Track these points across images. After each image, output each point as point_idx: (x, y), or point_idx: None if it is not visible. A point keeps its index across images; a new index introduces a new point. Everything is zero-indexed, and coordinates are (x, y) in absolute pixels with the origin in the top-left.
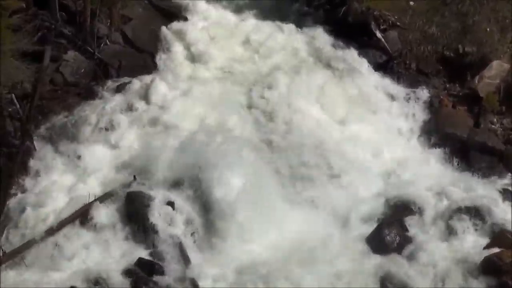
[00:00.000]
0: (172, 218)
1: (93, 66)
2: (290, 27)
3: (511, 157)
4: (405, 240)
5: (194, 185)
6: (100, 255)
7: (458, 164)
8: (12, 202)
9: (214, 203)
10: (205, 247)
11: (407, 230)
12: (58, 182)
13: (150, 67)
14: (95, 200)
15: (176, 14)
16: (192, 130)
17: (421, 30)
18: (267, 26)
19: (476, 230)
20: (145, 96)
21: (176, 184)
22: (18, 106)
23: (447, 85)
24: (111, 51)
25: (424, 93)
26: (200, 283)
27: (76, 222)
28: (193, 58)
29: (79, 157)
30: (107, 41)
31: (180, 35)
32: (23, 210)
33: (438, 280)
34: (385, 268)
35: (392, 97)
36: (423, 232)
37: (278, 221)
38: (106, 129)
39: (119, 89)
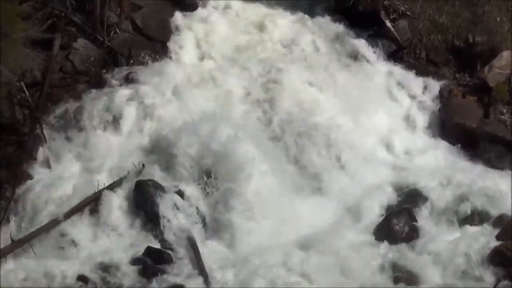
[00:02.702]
0: (181, 207)
1: (103, 54)
2: (299, 15)
3: None
4: (414, 230)
5: (203, 174)
6: (109, 244)
7: (467, 154)
8: (21, 190)
9: (223, 192)
10: (214, 236)
11: (415, 220)
12: (67, 170)
13: (159, 55)
14: (103, 188)
15: (185, 2)
16: (200, 119)
17: (431, 20)
18: (277, 15)
19: (485, 220)
20: (154, 85)
21: (185, 173)
22: (27, 94)
23: (457, 75)
24: (121, 39)
25: (433, 83)
26: (209, 272)
27: (85, 210)
28: (202, 46)
29: (88, 145)
30: (117, 29)
31: (190, 24)
32: (32, 198)
33: (446, 269)
34: (393, 257)
35: (402, 87)
36: (432, 222)
37: (287, 210)
38: (116, 117)
39: (128, 77)
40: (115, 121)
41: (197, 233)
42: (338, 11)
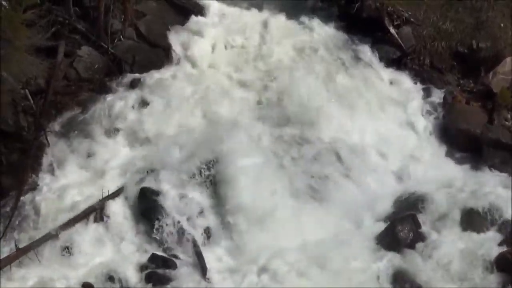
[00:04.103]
0: (185, 213)
1: (107, 62)
2: (304, 22)
3: None
4: (418, 236)
5: (207, 180)
6: (113, 251)
7: (471, 160)
8: (25, 198)
9: (227, 198)
10: (218, 242)
11: (420, 226)
12: (71, 178)
13: (163, 62)
14: (108, 196)
15: (190, 10)
16: (205, 124)
17: (435, 26)
18: (281, 22)
19: (489, 226)
20: (159, 92)
21: (189, 179)
22: (31, 101)
23: (461, 81)
24: (125, 47)
25: (437, 89)
26: (213, 278)
27: (89, 218)
28: (205, 53)
29: (92, 153)
30: (121, 36)
31: (193, 31)
32: (36, 205)
33: (451, 276)
34: (398, 265)
35: (406, 93)
36: (437, 229)
37: (290, 217)
38: (120, 125)
39: (132, 84)
40: (119, 128)
41: (201, 239)
42: (341, 17)
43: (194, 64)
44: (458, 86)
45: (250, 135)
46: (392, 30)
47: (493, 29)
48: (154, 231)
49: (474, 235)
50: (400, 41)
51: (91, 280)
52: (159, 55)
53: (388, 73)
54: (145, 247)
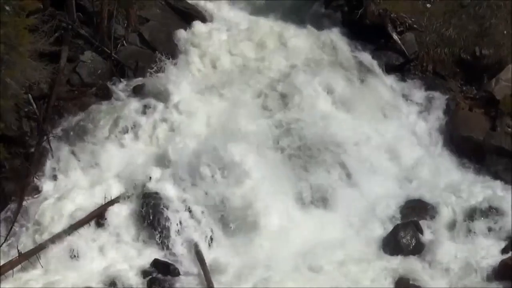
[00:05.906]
0: (187, 218)
1: (110, 67)
2: (307, 28)
3: None
4: (421, 242)
5: (210, 185)
6: (116, 256)
7: (474, 167)
8: (28, 203)
9: (229, 203)
10: (220, 247)
11: (422, 232)
12: (74, 183)
13: (166, 68)
14: (111, 201)
15: (193, 15)
16: (207, 130)
17: (438, 33)
18: (285, 27)
19: (492, 233)
20: (161, 97)
21: (191, 184)
22: (34, 106)
23: (464, 88)
24: (128, 52)
25: (440, 96)
26: (216, 283)
27: (92, 222)
28: (209, 60)
29: (95, 158)
30: (124, 42)
31: (197, 37)
32: (38, 210)
33: (453, 283)
34: (400, 270)
35: (409, 99)
36: (439, 235)
37: (293, 222)
38: (123, 130)
39: (135, 90)
40: (122, 133)
41: (204, 244)
42: (345, 24)
43: (197, 70)
44: (461, 92)
45: (255, 141)
46: (395, 37)
47: (496, 36)
48: (157, 236)
49: (476, 242)
50: (403, 47)
51: (93, 284)
52: (162, 60)
53: (391, 79)
54: (147, 252)
